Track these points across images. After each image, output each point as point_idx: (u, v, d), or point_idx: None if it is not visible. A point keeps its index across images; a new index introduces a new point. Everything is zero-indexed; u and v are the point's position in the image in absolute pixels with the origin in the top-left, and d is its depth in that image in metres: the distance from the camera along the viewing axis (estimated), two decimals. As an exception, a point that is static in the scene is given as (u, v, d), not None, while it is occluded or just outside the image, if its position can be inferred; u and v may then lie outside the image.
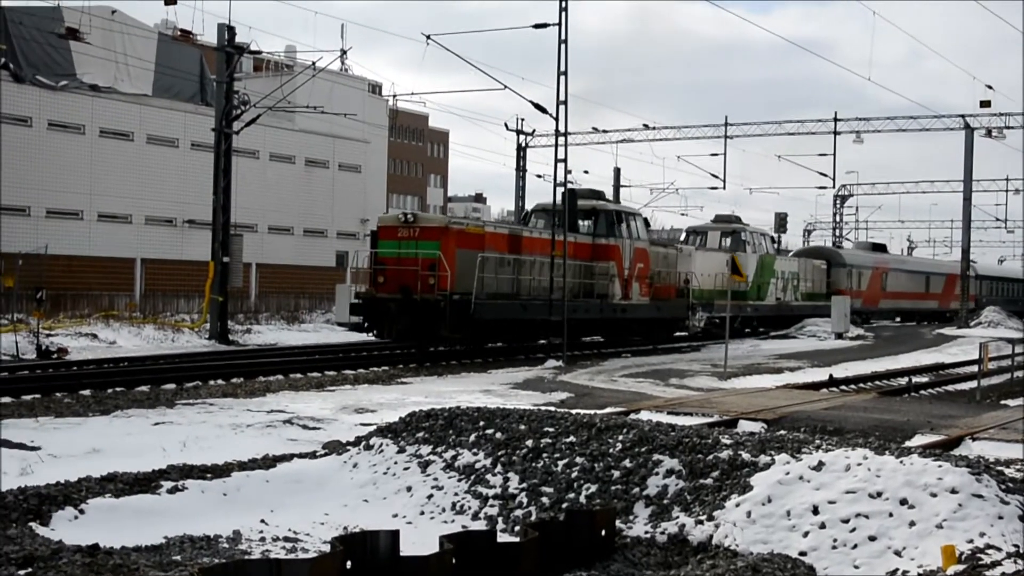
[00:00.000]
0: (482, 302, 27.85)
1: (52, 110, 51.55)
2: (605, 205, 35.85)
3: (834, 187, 66.85)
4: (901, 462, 9.46)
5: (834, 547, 8.67)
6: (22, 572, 7.41)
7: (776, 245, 55.17)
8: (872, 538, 8.66)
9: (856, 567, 8.42)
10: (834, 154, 57.82)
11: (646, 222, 36.76)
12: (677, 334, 40.63)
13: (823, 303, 52.93)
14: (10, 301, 31.97)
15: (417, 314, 26.98)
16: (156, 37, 57.87)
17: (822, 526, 8.89)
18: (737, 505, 9.39)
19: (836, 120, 57.65)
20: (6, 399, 17.65)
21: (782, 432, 12.76)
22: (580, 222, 34.14)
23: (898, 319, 66.90)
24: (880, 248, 72.06)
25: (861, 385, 25.94)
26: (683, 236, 44.90)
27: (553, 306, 30.28)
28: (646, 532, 9.47)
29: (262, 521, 9.70)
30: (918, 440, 14.70)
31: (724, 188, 58.93)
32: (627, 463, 10.39)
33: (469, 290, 27.51)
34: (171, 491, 10.00)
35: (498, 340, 31.73)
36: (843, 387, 25.00)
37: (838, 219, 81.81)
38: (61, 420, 15.58)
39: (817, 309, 53.09)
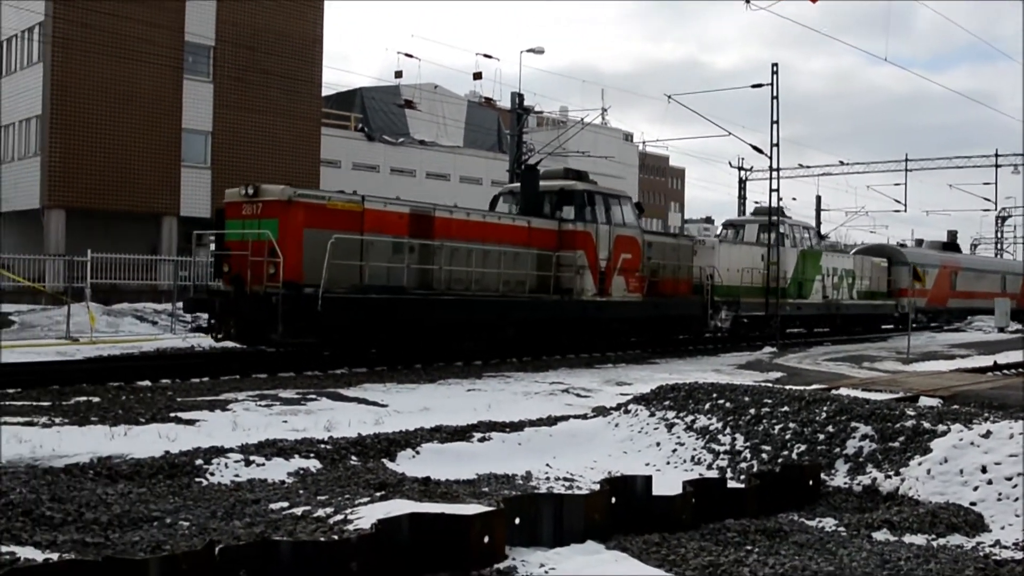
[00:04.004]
0: (335, 297, 16.71)
1: (393, 160, 53.72)
2: (574, 185, 23.33)
3: (996, 210, 64.18)
4: (1058, 433, 8.89)
5: (999, 499, 8.21)
6: (378, 493, 7.75)
7: (821, 239, 41.76)
8: (1032, 494, 8.17)
9: (1016, 515, 7.97)
10: (996, 183, 56.76)
11: (639, 207, 25.56)
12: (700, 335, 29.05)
13: (883, 302, 40.78)
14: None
15: (247, 312, 16.71)
16: (466, 104, 59.59)
17: (989, 482, 8.42)
18: (919, 464, 9.00)
19: (997, 155, 56.17)
20: (363, 369, 18.33)
21: (956, 406, 12.15)
22: (559, 207, 23.19)
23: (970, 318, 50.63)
24: (952, 247, 56.92)
25: (1021, 370, 24.33)
26: (719, 230, 33.22)
27: (473, 304, 20.09)
28: (845, 483, 9.17)
29: (547, 465, 9.79)
30: (1072, 415, 13.72)
31: (905, 211, 56.91)
32: (830, 428, 10.08)
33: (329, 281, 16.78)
34: (480, 440, 10.23)
35: (381, 346, 19.15)
36: (1005, 371, 23.48)
37: (999, 235, 78.01)
38: (401, 386, 16.06)
39: (877, 309, 39.91)
